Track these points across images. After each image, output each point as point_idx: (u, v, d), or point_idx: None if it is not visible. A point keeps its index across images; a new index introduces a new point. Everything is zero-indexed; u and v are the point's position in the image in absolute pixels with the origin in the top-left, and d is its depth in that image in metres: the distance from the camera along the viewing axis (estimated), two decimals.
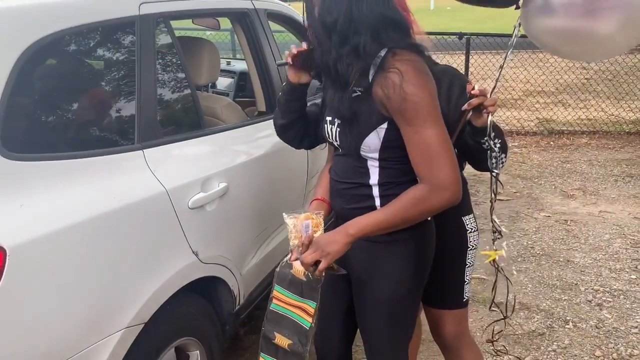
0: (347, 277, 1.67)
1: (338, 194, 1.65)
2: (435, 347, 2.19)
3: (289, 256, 1.60)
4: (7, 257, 1.32)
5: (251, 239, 2.32)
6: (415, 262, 1.59)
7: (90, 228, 1.54)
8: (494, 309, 1.91)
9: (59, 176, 1.52)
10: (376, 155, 1.51)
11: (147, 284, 1.72)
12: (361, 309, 1.67)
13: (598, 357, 2.68)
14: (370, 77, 1.45)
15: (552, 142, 6.42)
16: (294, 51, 1.67)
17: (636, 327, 2.89)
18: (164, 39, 2.01)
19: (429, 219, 1.62)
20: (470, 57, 6.67)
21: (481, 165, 1.77)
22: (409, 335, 1.70)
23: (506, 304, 1.89)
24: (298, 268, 1.62)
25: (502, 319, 1.91)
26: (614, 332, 2.86)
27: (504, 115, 7.06)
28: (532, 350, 2.74)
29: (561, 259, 3.64)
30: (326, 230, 1.57)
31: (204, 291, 2.05)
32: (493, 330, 2.08)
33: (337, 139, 1.58)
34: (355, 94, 1.48)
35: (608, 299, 3.16)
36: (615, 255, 3.66)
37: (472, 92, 1.60)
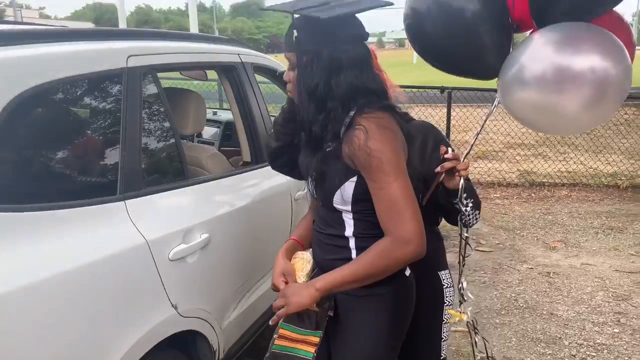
0: (327, 331, 1.65)
1: (318, 244, 1.67)
2: None
3: None
4: None
5: (232, 291, 2.29)
6: (391, 317, 1.58)
7: (68, 280, 1.50)
8: None
9: (38, 228, 1.49)
10: (349, 207, 1.55)
11: (124, 338, 1.67)
12: None
13: None
14: (341, 134, 1.50)
15: (533, 194, 6.51)
16: None
17: None
18: (150, 90, 2.04)
19: (407, 274, 1.62)
20: (452, 110, 6.83)
21: (454, 221, 1.81)
22: None
23: None
24: None
25: None
26: None
27: (485, 167, 7.18)
28: None
29: (544, 312, 3.62)
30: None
31: (182, 346, 2.00)
32: None
33: (314, 191, 1.62)
34: (328, 149, 1.53)
35: (592, 353, 3.14)
36: (597, 309, 3.66)
37: (446, 155, 1.64)
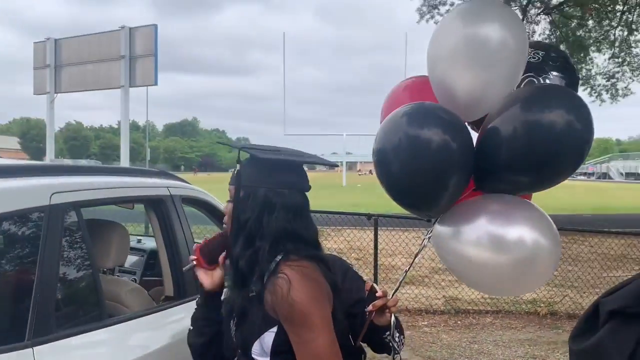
0: None
1: None
2: None
3: None
4: None
5: None
6: None
7: None
8: None
9: None
10: (268, 359, 1.48)
11: None
12: None
13: None
14: (265, 280, 1.49)
15: (459, 322, 6.59)
16: (201, 242, 1.70)
17: None
18: (72, 226, 1.98)
19: None
20: (379, 235, 7.02)
21: (381, 351, 1.80)
22: None
23: None
24: None
25: None
26: None
27: (412, 293, 7.26)
28: None
29: None
30: None
31: None
32: None
33: (234, 335, 1.57)
34: (252, 294, 1.51)
35: None
36: None
37: (377, 294, 1.66)
